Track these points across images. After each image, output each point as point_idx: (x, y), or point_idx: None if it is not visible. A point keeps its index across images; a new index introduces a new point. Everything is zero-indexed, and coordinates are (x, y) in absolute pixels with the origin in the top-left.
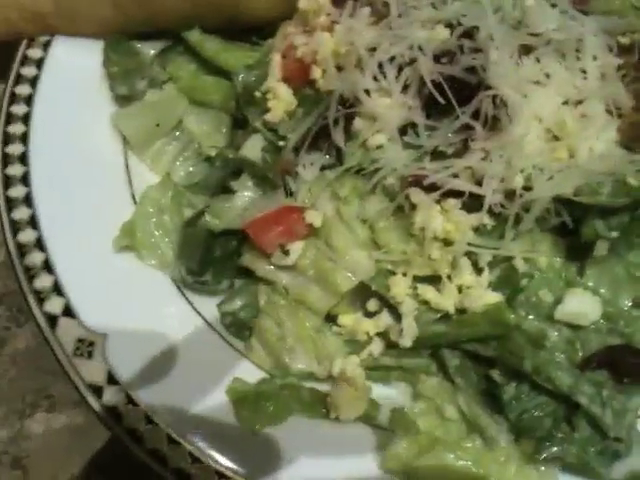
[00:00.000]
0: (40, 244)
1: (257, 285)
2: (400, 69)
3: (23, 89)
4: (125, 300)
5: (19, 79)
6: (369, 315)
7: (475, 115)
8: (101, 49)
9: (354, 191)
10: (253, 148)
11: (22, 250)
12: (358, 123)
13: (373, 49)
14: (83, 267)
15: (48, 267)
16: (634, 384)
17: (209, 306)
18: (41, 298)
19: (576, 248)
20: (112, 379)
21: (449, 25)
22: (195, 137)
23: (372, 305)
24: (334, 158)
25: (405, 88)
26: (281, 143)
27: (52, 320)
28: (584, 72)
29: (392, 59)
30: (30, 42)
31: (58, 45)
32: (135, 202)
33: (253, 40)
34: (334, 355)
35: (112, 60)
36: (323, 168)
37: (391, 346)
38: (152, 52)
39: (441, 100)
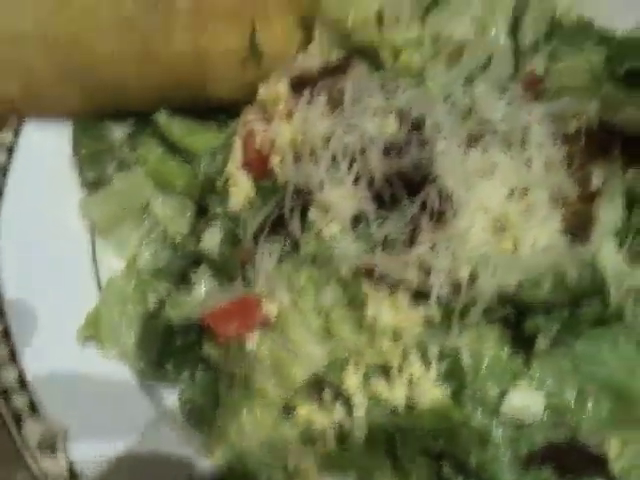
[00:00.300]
0: (6, 334)
1: (216, 375)
2: (352, 160)
3: None
4: (87, 393)
5: None
6: (324, 406)
7: (423, 207)
8: (70, 132)
9: (310, 281)
10: (212, 240)
11: None
12: (313, 213)
13: (328, 138)
14: (47, 359)
15: (13, 358)
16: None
17: (170, 397)
18: (6, 395)
19: (523, 339)
20: (73, 474)
21: (400, 114)
22: (160, 221)
23: (327, 395)
24: (291, 246)
25: (357, 179)
26: (240, 231)
27: (17, 418)
28: (529, 162)
29: (345, 149)
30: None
31: (28, 131)
32: (100, 288)
33: (220, 119)
34: (290, 447)
35: (81, 143)
36: (280, 258)
37: (345, 438)
38: (122, 134)
39: (388, 194)
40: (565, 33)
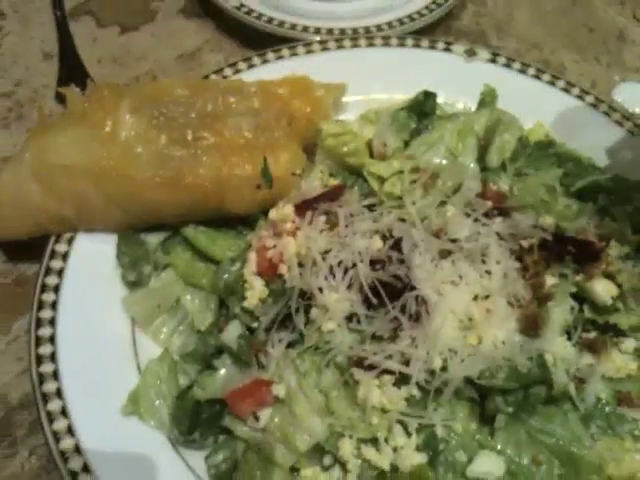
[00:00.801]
0: (64, 412)
1: (236, 442)
2: (346, 271)
3: (51, 279)
4: (131, 456)
5: (48, 271)
6: (325, 469)
7: (403, 309)
8: (115, 241)
9: (312, 366)
10: (232, 334)
11: (50, 417)
12: (314, 312)
13: (326, 252)
14: (98, 430)
15: (70, 431)
16: None
17: (198, 458)
18: (65, 458)
19: (487, 415)
20: None
21: (383, 235)
22: (189, 313)
23: (327, 460)
24: (297, 337)
25: (349, 286)
26: (255, 324)
27: (74, 476)
28: (489, 273)
29: (340, 263)
30: (57, 238)
31: (80, 240)
32: (140, 372)
33: (238, 228)
34: None
35: (123, 251)
36: (288, 346)
37: None
38: (156, 242)
39: (374, 299)
40: (528, 154)
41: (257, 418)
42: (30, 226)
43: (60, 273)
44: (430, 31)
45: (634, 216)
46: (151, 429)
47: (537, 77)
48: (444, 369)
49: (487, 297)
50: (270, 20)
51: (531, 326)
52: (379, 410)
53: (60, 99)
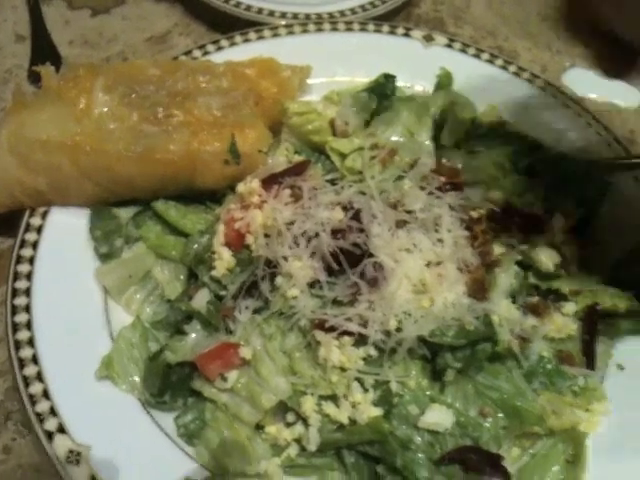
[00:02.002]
0: (40, 377)
1: (204, 403)
2: (309, 240)
3: (26, 252)
4: (104, 418)
5: (23, 243)
6: (288, 425)
7: (362, 275)
8: (88, 215)
9: (277, 330)
10: (201, 300)
11: (26, 381)
12: (279, 279)
13: (290, 223)
14: (72, 393)
15: (46, 395)
16: (479, 476)
17: (168, 420)
18: (41, 419)
19: (437, 371)
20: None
21: (344, 207)
22: (159, 284)
23: (290, 417)
24: (263, 303)
25: (312, 255)
26: (223, 292)
27: (49, 436)
28: (441, 241)
29: (303, 233)
30: (32, 212)
31: (54, 214)
32: (112, 339)
33: (207, 204)
34: (261, 457)
35: (96, 225)
36: (255, 312)
37: (304, 449)
38: (127, 216)
39: (335, 266)
40: (480, 134)
41: (225, 379)
42: (5, 200)
43: (35, 245)
44: (391, 18)
45: (578, 191)
46: (123, 392)
47: (490, 62)
48: (399, 330)
49: (439, 263)
50: (237, 4)
51: (478, 289)
52: (339, 369)
53: (33, 79)
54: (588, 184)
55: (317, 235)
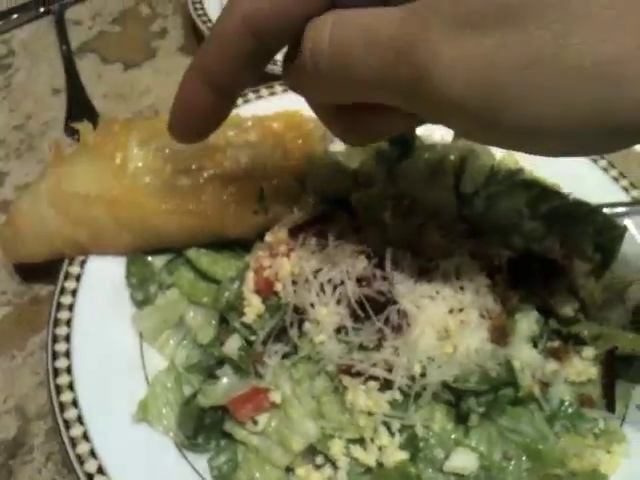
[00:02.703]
0: (80, 420)
1: (236, 445)
2: (334, 288)
3: (66, 299)
4: (141, 459)
5: (63, 291)
6: (317, 467)
7: (386, 321)
8: (123, 264)
9: (305, 374)
10: (232, 346)
11: (67, 425)
12: (307, 325)
13: (317, 271)
14: (111, 436)
15: (86, 437)
16: None
17: (202, 461)
18: (81, 461)
19: (462, 416)
20: None
21: (368, 255)
22: (192, 329)
23: (319, 460)
24: (291, 348)
25: (338, 301)
26: (253, 337)
27: (90, 477)
28: (463, 289)
29: (329, 280)
30: (70, 261)
31: (92, 262)
32: (148, 382)
33: (237, 250)
34: None
35: (131, 272)
36: (283, 357)
37: None
38: (161, 263)
39: (361, 313)
40: (499, 181)
41: (255, 422)
42: (45, 250)
43: (74, 293)
44: None
45: (594, 236)
46: (159, 434)
47: None
48: (423, 375)
49: (461, 310)
50: None
51: (500, 335)
52: (365, 413)
53: (70, 132)
54: (604, 229)
55: (342, 283)
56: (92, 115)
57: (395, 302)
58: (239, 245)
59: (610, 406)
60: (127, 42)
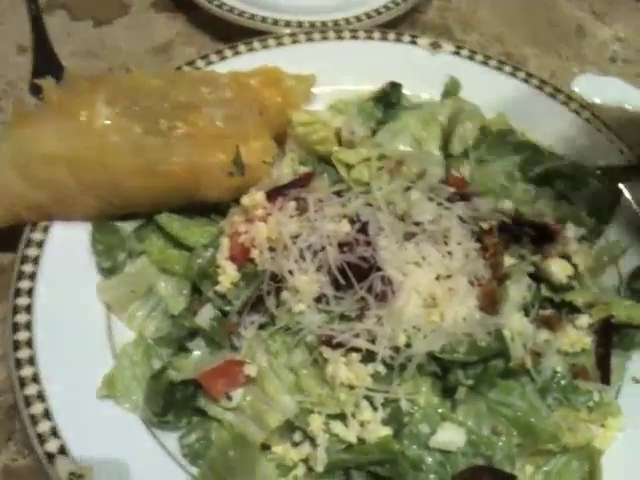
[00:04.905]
0: (41, 396)
1: (209, 422)
2: (315, 254)
3: (28, 267)
4: (107, 438)
5: (24, 259)
6: (295, 445)
7: (369, 289)
8: (89, 230)
9: (283, 346)
10: (205, 316)
11: (27, 401)
12: (285, 294)
13: (296, 236)
14: (74, 413)
15: (47, 415)
16: None
17: (172, 439)
18: (42, 440)
19: (449, 389)
20: None
21: (351, 220)
22: (163, 299)
23: (297, 437)
24: (268, 319)
25: (318, 269)
26: (227, 308)
27: (51, 457)
28: (451, 254)
29: (309, 246)
30: (33, 227)
31: (55, 228)
32: (115, 356)
33: (211, 216)
34: (267, 478)
35: (97, 239)
36: (260, 328)
37: (311, 470)
38: (130, 229)
39: (342, 281)
40: (489, 142)
41: (230, 398)
42: (6, 214)
43: (36, 260)
44: (397, 25)
45: (589, 200)
46: (126, 411)
47: (499, 69)
48: (408, 346)
49: (449, 276)
50: (241, 13)
51: (490, 303)
52: (347, 387)
53: (35, 91)
54: (599, 192)
55: (323, 249)
56: (60, 74)
57: (379, 269)
58: (214, 210)
59: (605, 378)
60: None
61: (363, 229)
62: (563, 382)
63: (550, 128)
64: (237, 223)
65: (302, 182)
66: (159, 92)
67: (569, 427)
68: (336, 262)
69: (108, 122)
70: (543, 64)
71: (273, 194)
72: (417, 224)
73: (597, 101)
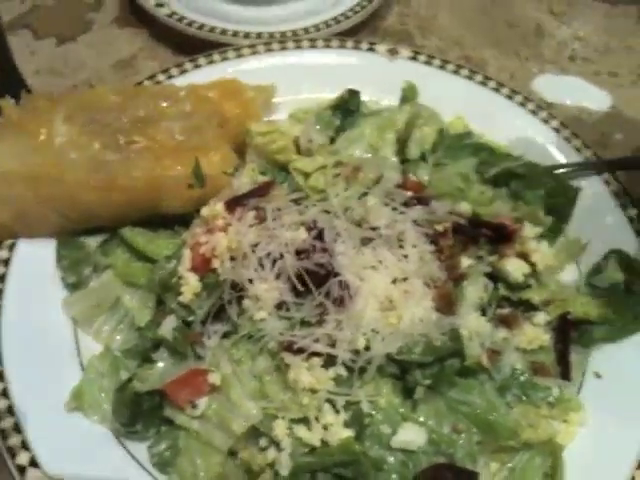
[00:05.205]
0: (11, 411)
1: (177, 431)
2: (274, 262)
3: None
4: (77, 450)
5: None
6: (261, 450)
7: (327, 295)
8: (55, 246)
9: (246, 353)
10: (168, 327)
11: None
12: (246, 302)
13: (255, 245)
14: (44, 426)
15: (17, 429)
16: None
17: (142, 449)
18: (13, 454)
19: (409, 389)
20: None
21: (308, 227)
22: (129, 312)
23: (262, 442)
24: (231, 327)
25: (278, 276)
26: (191, 318)
27: (22, 470)
28: (406, 257)
29: (268, 255)
30: None
31: (21, 246)
32: (83, 369)
33: (175, 229)
34: None
35: (63, 255)
36: (223, 336)
37: (278, 474)
38: (95, 244)
39: (301, 287)
40: (447, 145)
41: (195, 406)
42: None
43: (2, 278)
44: (357, 33)
45: (546, 199)
46: (95, 423)
47: (456, 72)
48: (367, 348)
49: (405, 279)
50: (201, 27)
51: (446, 304)
52: (309, 391)
53: None
54: (555, 191)
55: (282, 256)
56: (21, 92)
57: (336, 274)
58: (178, 222)
59: (565, 374)
60: (60, 16)
61: (320, 236)
62: (522, 379)
63: (508, 129)
64: (198, 234)
65: (260, 192)
66: (118, 107)
67: (529, 423)
68: (294, 269)
69: (66, 139)
70: (502, 65)
71: (232, 204)
72: (374, 229)
73: (557, 101)
